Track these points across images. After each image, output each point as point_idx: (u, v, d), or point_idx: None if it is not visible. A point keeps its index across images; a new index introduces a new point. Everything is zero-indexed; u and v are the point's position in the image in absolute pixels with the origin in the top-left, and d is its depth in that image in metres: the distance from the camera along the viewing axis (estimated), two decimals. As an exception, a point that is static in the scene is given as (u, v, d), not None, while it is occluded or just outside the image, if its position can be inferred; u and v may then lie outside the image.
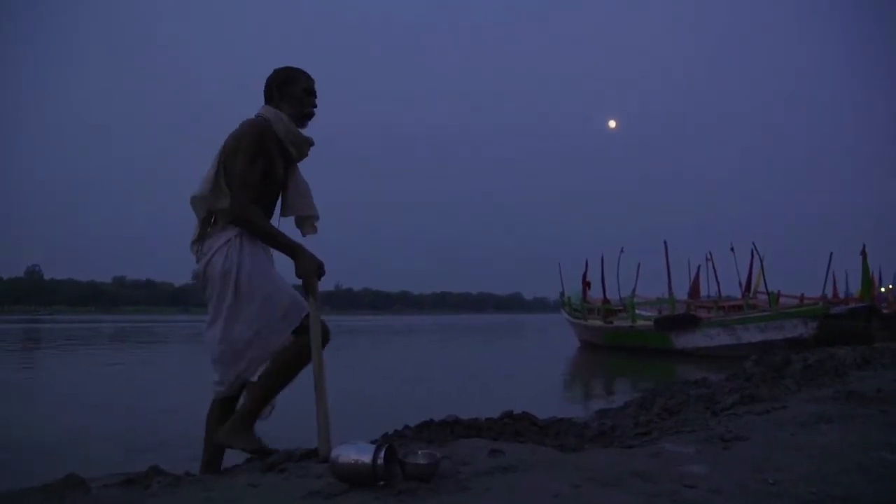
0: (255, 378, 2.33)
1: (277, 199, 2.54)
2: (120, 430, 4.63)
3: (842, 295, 18.48)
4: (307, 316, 2.30)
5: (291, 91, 2.48)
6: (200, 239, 2.41)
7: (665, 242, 15.43)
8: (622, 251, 16.67)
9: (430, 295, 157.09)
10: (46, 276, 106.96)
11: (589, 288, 17.94)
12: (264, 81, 2.53)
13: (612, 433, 3.00)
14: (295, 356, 2.31)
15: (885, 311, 15.03)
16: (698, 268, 16.87)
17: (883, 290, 23.79)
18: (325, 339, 2.34)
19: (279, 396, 2.40)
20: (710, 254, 16.41)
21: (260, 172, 2.35)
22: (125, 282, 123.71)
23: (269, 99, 2.50)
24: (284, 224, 2.51)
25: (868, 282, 14.47)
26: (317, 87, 2.56)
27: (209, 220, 2.42)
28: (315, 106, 2.54)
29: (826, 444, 2.16)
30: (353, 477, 1.67)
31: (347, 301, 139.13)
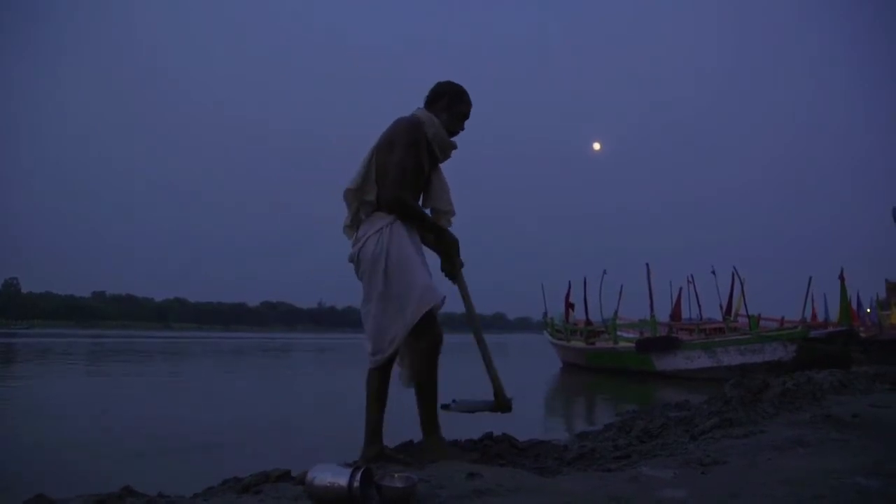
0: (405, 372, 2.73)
1: (421, 191, 2.83)
2: (91, 447, 4.54)
3: (821, 318, 18.66)
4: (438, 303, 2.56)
5: (456, 108, 2.78)
6: (354, 225, 2.74)
7: (647, 265, 15.55)
8: (605, 273, 16.78)
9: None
10: (24, 290, 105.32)
11: (572, 309, 18.00)
12: (435, 85, 2.82)
13: (591, 456, 3.00)
14: (425, 359, 2.60)
15: (862, 335, 15.20)
16: (679, 290, 17.00)
17: (869, 310, 24.11)
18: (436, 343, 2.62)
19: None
20: (692, 276, 16.56)
21: (413, 162, 2.64)
22: (105, 296, 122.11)
23: (430, 103, 2.80)
24: None
25: (846, 306, 14.64)
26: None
27: (359, 209, 2.72)
28: (463, 129, 2.84)
29: (802, 468, 2.17)
30: (329, 500, 1.65)
31: (331, 319, 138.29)
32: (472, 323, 2.86)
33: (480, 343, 2.81)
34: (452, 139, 2.80)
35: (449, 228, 2.84)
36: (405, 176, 2.61)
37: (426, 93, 2.85)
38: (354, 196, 2.70)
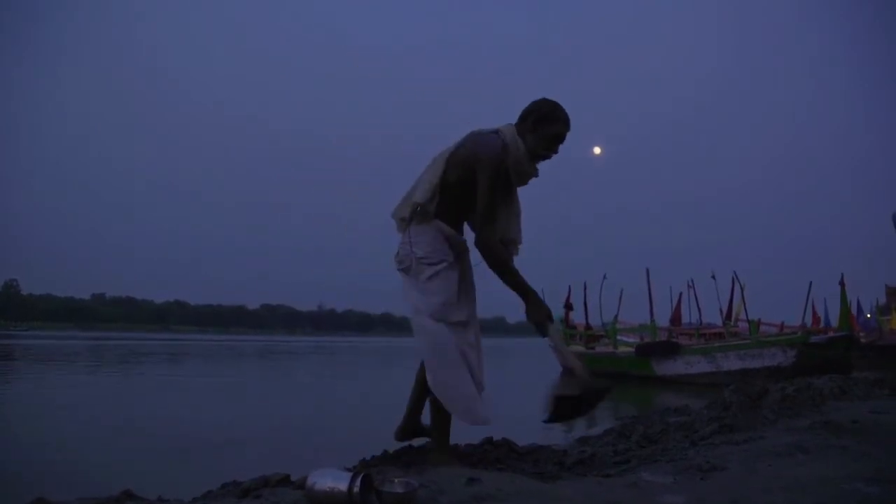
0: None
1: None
2: (90, 451, 4.54)
3: (823, 324, 18.64)
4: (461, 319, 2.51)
5: (545, 130, 2.50)
6: (407, 223, 2.58)
7: (647, 270, 15.56)
8: (605, 277, 16.80)
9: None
10: (24, 291, 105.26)
11: (571, 310, 17.94)
12: (529, 103, 2.56)
13: (591, 461, 3.00)
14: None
15: (862, 340, 15.20)
16: (680, 295, 17.00)
17: (869, 315, 24.10)
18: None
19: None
20: (692, 281, 16.56)
21: (496, 198, 2.47)
22: (105, 299, 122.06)
23: (519, 121, 2.54)
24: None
25: (846, 311, 14.65)
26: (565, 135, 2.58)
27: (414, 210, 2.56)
28: (556, 153, 2.57)
29: (802, 475, 2.17)
30: (329, 504, 1.65)
31: (331, 322, 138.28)
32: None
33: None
34: (538, 163, 2.58)
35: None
36: (493, 219, 2.47)
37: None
38: (411, 205, 2.58)
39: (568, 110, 2.56)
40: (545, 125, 2.50)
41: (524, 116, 2.54)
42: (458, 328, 2.50)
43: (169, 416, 6.50)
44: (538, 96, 2.58)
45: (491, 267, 2.49)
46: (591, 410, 2.65)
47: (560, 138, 2.55)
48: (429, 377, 2.49)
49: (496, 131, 2.52)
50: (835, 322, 16.64)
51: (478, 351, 2.59)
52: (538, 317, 2.47)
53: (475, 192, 2.46)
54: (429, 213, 2.53)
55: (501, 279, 2.50)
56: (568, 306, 18.05)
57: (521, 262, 2.66)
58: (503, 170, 2.47)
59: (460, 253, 2.62)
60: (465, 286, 2.61)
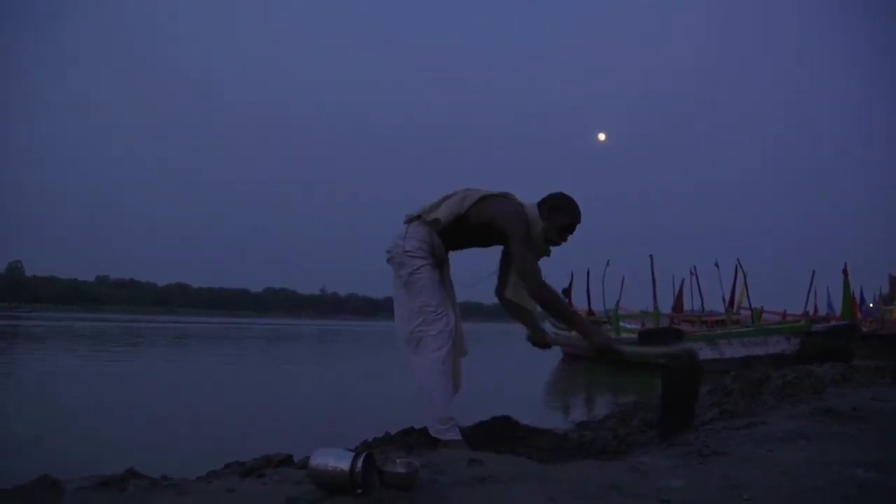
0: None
1: (488, 242, 2.98)
2: (95, 430, 4.58)
3: (823, 312, 18.65)
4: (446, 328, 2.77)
5: (556, 219, 2.80)
6: (409, 222, 2.88)
7: (651, 257, 15.54)
8: (608, 264, 16.78)
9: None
10: (28, 273, 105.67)
11: (566, 295, 17.87)
12: (548, 194, 2.88)
13: (591, 445, 3.02)
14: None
15: (865, 329, 15.20)
16: (682, 282, 17.00)
17: (871, 304, 24.08)
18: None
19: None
20: (695, 268, 16.55)
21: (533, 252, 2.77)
22: (108, 280, 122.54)
23: (540, 205, 2.83)
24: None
25: (849, 300, 14.65)
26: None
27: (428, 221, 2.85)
28: (564, 241, 2.88)
29: (802, 460, 2.18)
30: (331, 484, 1.66)
31: (333, 305, 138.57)
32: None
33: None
34: (548, 250, 2.87)
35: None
36: (538, 273, 2.73)
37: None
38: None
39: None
40: (555, 215, 2.80)
41: (543, 203, 2.83)
42: (439, 320, 2.75)
43: (173, 398, 6.54)
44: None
45: (547, 310, 2.79)
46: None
47: (569, 229, 2.85)
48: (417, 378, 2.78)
49: (522, 205, 2.83)
50: (837, 310, 16.65)
51: (458, 342, 2.91)
52: (601, 346, 2.79)
53: (481, 238, 2.90)
54: (437, 226, 2.82)
55: (561, 320, 2.87)
56: (568, 294, 18.03)
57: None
58: (529, 234, 2.75)
59: (441, 263, 2.93)
60: (445, 288, 2.93)
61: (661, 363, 2.82)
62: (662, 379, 2.85)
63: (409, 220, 2.91)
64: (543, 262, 2.88)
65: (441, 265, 2.95)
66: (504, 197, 2.87)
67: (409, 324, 2.78)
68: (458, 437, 2.72)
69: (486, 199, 2.84)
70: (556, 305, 2.76)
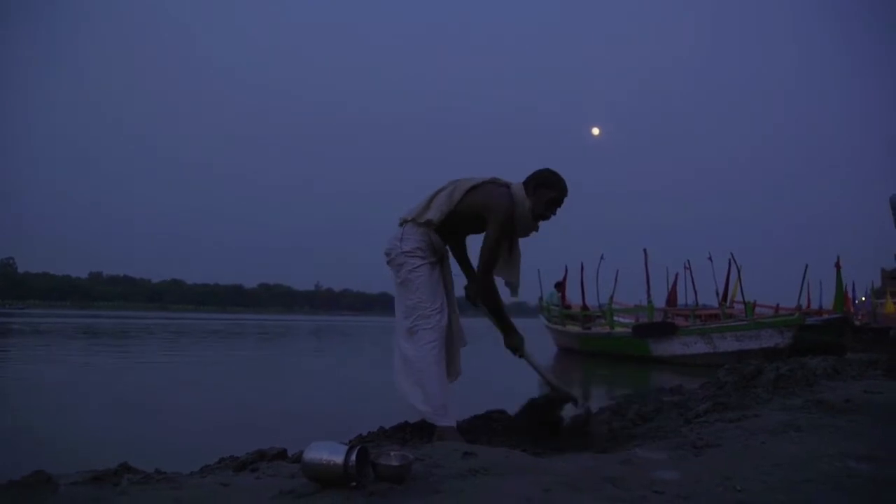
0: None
1: (482, 229, 2.96)
2: (89, 425, 4.57)
3: (815, 306, 18.70)
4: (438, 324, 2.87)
5: (542, 193, 2.88)
6: (403, 224, 2.97)
7: (645, 250, 15.54)
8: (602, 258, 16.77)
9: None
10: (21, 270, 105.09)
11: (560, 289, 17.82)
12: (535, 171, 2.95)
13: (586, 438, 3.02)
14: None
15: (857, 322, 15.26)
16: (675, 276, 17.01)
17: (864, 298, 24.20)
18: None
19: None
20: (688, 262, 16.56)
21: (504, 246, 2.92)
22: (102, 277, 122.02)
23: (526, 182, 2.90)
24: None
25: (841, 294, 14.70)
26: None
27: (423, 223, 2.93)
28: (553, 214, 2.95)
29: (794, 452, 2.19)
30: (325, 477, 1.66)
31: (327, 301, 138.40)
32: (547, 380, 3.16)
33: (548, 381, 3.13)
34: (536, 225, 2.95)
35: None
36: (495, 263, 2.88)
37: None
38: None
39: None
40: (542, 190, 2.88)
41: (528, 180, 2.90)
42: (433, 317, 2.84)
43: (166, 393, 6.52)
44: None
45: (484, 303, 3.02)
46: (554, 416, 2.93)
47: (556, 202, 2.93)
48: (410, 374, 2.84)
49: (508, 186, 2.90)
50: (829, 304, 16.70)
51: (458, 333, 3.07)
52: (514, 342, 3.03)
53: (475, 226, 2.94)
54: (431, 226, 2.91)
55: (490, 314, 3.03)
56: (562, 288, 18.02)
57: (526, 240, 3.05)
58: (510, 222, 2.84)
59: (441, 258, 3.02)
60: (445, 286, 3.02)
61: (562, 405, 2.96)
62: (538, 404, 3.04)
63: (403, 223, 3.00)
64: (532, 244, 3.02)
65: (441, 261, 3.03)
66: (492, 183, 2.93)
67: (406, 319, 2.88)
68: (452, 423, 2.78)
69: (474, 189, 2.91)
70: (493, 296, 2.98)
